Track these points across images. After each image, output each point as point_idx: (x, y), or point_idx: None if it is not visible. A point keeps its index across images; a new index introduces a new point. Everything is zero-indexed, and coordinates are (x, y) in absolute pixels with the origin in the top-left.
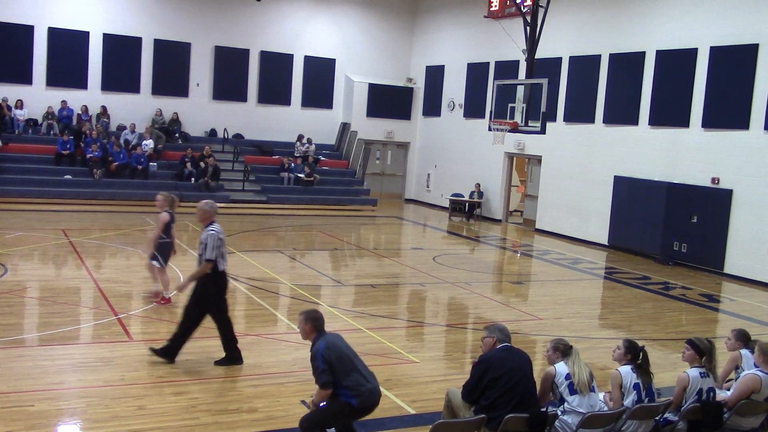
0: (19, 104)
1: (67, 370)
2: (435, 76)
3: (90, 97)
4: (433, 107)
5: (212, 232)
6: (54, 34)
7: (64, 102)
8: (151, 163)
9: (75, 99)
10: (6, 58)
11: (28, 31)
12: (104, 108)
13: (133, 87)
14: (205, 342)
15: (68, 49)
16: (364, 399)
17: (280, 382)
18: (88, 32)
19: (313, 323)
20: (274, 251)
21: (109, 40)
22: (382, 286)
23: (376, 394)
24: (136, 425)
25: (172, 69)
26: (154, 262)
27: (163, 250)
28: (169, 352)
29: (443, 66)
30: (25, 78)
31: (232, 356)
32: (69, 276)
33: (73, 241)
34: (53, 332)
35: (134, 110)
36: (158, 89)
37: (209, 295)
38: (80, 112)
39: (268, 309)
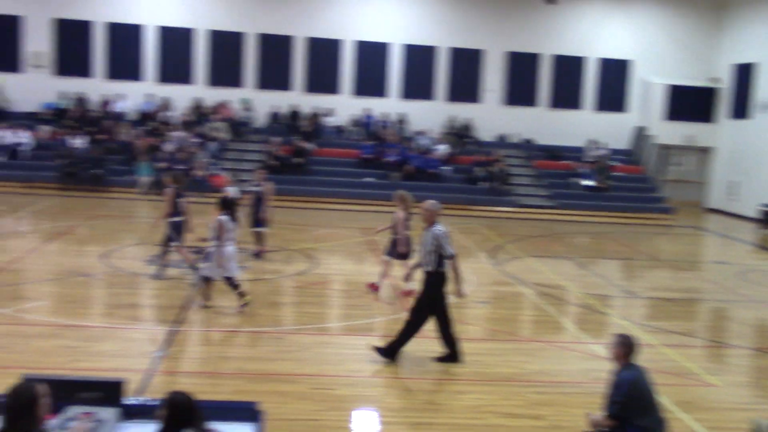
0: (330, 112)
1: (365, 359)
2: (744, 74)
3: (390, 105)
4: (741, 109)
5: (440, 231)
6: (360, 46)
7: (367, 109)
8: (444, 168)
9: (377, 107)
10: (318, 70)
11: (337, 45)
12: (403, 115)
13: (430, 94)
14: (492, 345)
15: (373, 61)
16: None
17: (567, 392)
18: (389, 44)
19: (626, 350)
20: (563, 258)
21: (408, 50)
22: (679, 301)
23: None
24: (426, 418)
25: (465, 76)
26: (387, 257)
27: (393, 246)
28: (390, 352)
29: (755, 64)
30: (336, 89)
31: (454, 354)
32: (369, 271)
33: (373, 240)
34: (353, 323)
35: (430, 116)
36: (452, 96)
37: (432, 296)
38: (381, 119)
39: (555, 316)
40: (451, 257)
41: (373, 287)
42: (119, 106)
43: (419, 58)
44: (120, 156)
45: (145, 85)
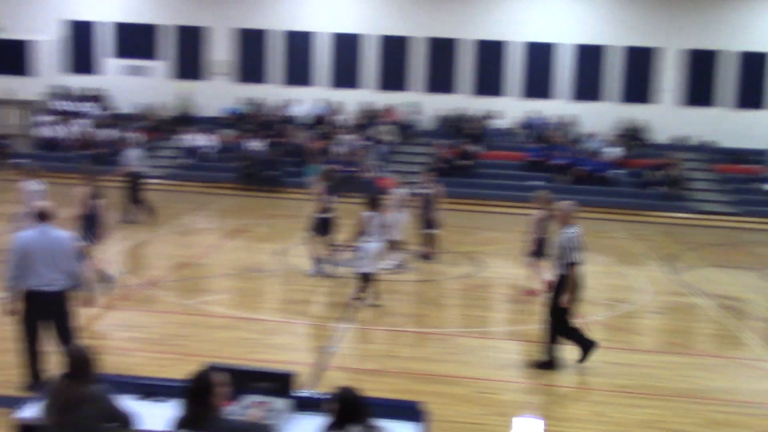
0: (497, 114)
1: (526, 365)
2: None
3: (559, 107)
4: None
5: (573, 233)
6: (528, 47)
7: (535, 111)
8: (615, 171)
9: (546, 108)
10: (485, 73)
11: (504, 47)
12: (572, 116)
13: (601, 95)
14: (666, 358)
15: (540, 61)
16: None
17: (749, 413)
18: (558, 44)
19: None
20: (746, 268)
21: (578, 50)
22: None
23: None
24: (595, 429)
25: (639, 75)
26: (533, 259)
27: (540, 247)
28: (582, 356)
29: None
30: (502, 90)
31: (551, 361)
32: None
33: None
34: (518, 328)
35: (600, 118)
36: (625, 96)
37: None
38: (549, 121)
39: (736, 330)
40: (572, 264)
41: (531, 293)
42: (293, 111)
43: (589, 57)
44: (293, 158)
45: (318, 90)
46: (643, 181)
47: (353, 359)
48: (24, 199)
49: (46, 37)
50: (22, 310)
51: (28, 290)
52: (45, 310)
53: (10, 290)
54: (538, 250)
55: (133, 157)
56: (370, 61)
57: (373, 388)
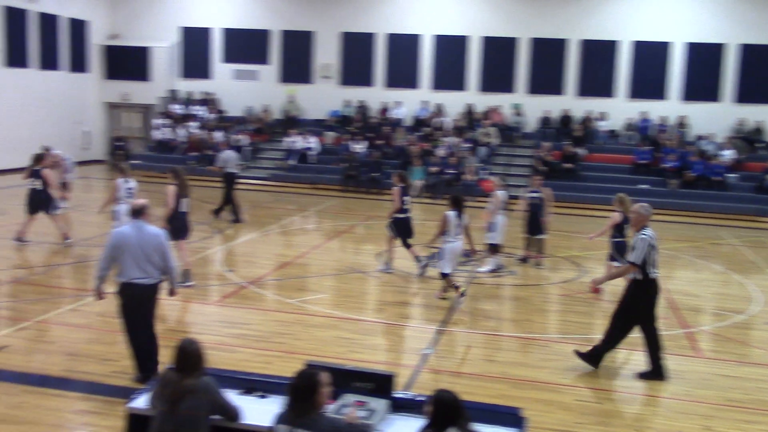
0: (603, 116)
1: (633, 375)
2: None
3: (670, 108)
4: None
5: (644, 236)
6: (638, 47)
7: (644, 113)
8: (730, 175)
9: (655, 110)
10: (592, 74)
11: (613, 46)
12: (684, 118)
13: (715, 96)
14: None
15: (650, 61)
16: None
17: None
18: (670, 43)
19: None
20: None
21: (691, 49)
22: None
23: None
24: None
25: (757, 75)
26: (614, 263)
27: (620, 250)
28: (593, 358)
29: None
30: (610, 91)
31: (657, 371)
32: None
33: None
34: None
35: (715, 120)
36: (742, 97)
37: (638, 305)
38: (659, 122)
39: None
40: (631, 264)
41: (596, 291)
42: (396, 113)
43: (704, 56)
44: (396, 160)
45: (421, 93)
46: (761, 185)
47: (451, 362)
48: (117, 196)
49: (162, 44)
50: (119, 303)
51: (122, 283)
52: (138, 302)
53: (98, 281)
54: (617, 253)
55: (228, 158)
56: (473, 63)
57: (471, 392)
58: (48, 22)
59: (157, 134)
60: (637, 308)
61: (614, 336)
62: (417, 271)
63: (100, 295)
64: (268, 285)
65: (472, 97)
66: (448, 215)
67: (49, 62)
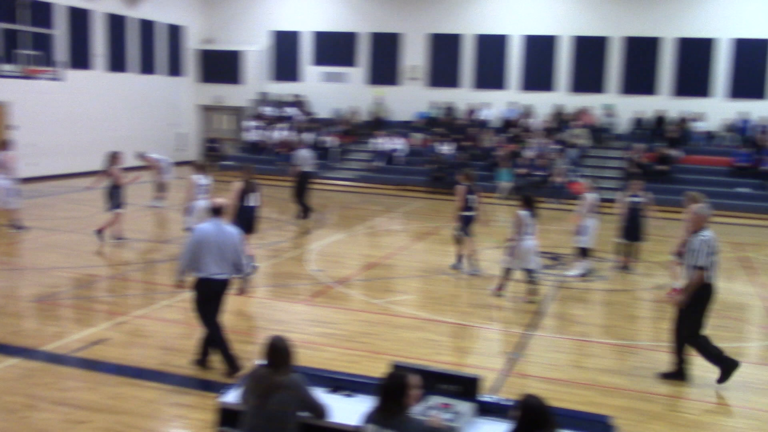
0: (699, 117)
1: (733, 387)
2: None
3: None
4: None
5: (704, 238)
6: (738, 44)
7: (743, 113)
8: None
9: (755, 110)
10: (688, 73)
11: (710, 44)
12: None
13: None
14: None
15: (750, 59)
16: None
17: None
18: None
19: None
20: None
21: None
22: None
23: None
24: None
25: None
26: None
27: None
28: (677, 375)
29: None
30: (706, 91)
31: (680, 372)
32: (738, 291)
33: (746, 256)
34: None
35: None
36: None
37: (700, 306)
38: (760, 123)
39: None
40: (699, 268)
41: (672, 293)
42: (483, 114)
43: None
44: (483, 162)
45: (509, 94)
46: None
47: (538, 367)
48: (192, 193)
49: (254, 48)
50: (195, 297)
51: (201, 278)
52: (213, 296)
53: (180, 274)
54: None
55: (304, 157)
56: (563, 63)
57: (559, 398)
58: (147, 27)
59: (249, 136)
60: (690, 309)
61: (685, 343)
62: (456, 265)
63: (181, 286)
64: (355, 285)
65: (561, 97)
66: (522, 214)
67: (147, 66)
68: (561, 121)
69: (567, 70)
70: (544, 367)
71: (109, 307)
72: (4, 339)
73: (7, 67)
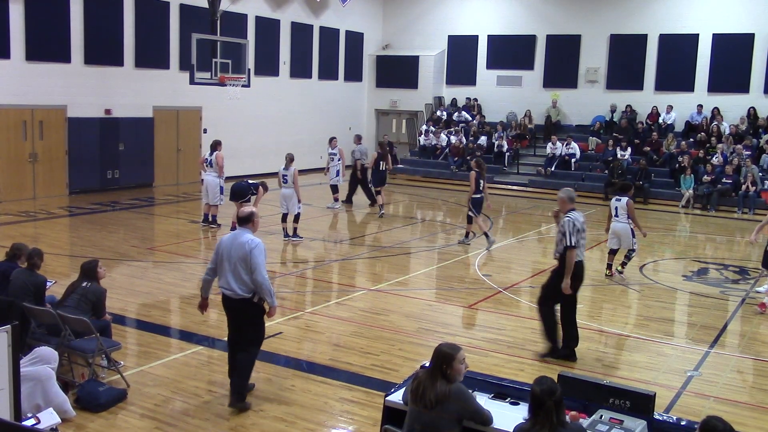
0: None
1: None
2: None
3: None
4: None
5: (568, 219)
6: None
7: None
8: None
9: None
10: None
11: None
12: None
13: None
14: None
15: None
16: None
17: None
18: None
19: None
20: None
21: None
22: None
23: None
24: None
25: None
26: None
27: None
28: (554, 352)
29: None
30: None
31: (559, 350)
32: None
33: None
34: None
35: None
36: None
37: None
38: None
39: None
40: (568, 248)
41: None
42: (666, 118)
43: None
44: (664, 168)
45: (695, 96)
46: None
47: (721, 388)
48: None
49: (431, 53)
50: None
51: (222, 292)
52: (229, 313)
53: (202, 286)
54: None
55: (362, 151)
56: (758, 62)
57: (740, 423)
58: (328, 35)
59: (422, 139)
60: (559, 289)
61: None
62: (487, 245)
63: (201, 303)
64: (523, 292)
65: (755, 100)
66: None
67: (327, 72)
68: (755, 125)
69: (762, 70)
70: (723, 387)
71: (287, 303)
72: (191, 328)
73: (203, 75)
